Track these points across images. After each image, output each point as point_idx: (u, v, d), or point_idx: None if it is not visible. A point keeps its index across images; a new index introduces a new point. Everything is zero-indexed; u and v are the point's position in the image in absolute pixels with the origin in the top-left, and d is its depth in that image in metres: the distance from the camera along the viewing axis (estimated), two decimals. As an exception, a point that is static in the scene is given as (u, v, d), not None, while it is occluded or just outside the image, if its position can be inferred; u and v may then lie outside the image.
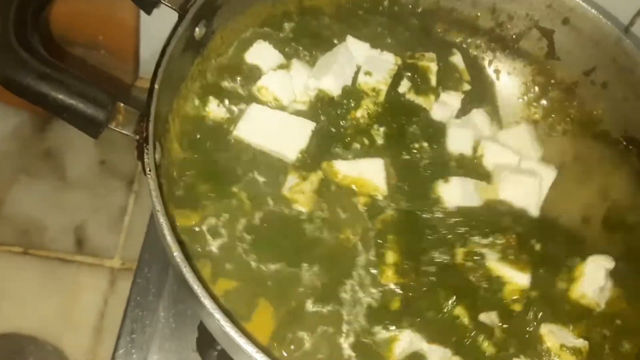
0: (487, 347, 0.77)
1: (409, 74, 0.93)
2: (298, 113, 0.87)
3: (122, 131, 0.69)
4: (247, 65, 0.90)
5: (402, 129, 0.89)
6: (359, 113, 0.89)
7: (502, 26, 1.04)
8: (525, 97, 1.05)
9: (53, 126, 1.31)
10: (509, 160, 0.92)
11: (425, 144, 0.89)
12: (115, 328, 1.02)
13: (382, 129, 0.89)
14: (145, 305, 0.93)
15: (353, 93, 0.89)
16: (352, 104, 0.88)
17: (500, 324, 0.78)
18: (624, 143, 0.96)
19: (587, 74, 0.99)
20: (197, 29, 0.83)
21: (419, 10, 1.04)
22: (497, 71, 1.07)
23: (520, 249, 0.81)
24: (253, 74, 0.89)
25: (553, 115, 1.03)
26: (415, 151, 0.89)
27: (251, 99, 0.88)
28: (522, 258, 0.81)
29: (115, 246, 1.25)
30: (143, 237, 1.10)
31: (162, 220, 0.64)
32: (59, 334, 1.16)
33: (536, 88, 1.05)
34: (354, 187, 0.84)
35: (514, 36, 1.04)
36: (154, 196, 0.66)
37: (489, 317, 0.77)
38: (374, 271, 0.79)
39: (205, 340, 0.91)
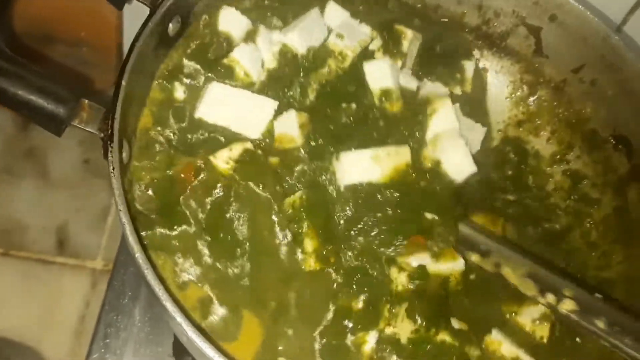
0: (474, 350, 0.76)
1: (383, 33, 0.91)
2: (265, 83, 0.85)
3: (86, 128, 0.67)
4: (220, 34, 0.87)
5: (337, 89, 0.86)
6: (320, 72, 0.86)
7: (489, 23, 1.01)
8: (513, 96, 1.03)
9: (36, 125, 1.30)
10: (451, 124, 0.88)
11: (353, 105, 0.85)
12: (96, 331, 1.00)
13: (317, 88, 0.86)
14: (120, 309, 0.90)
15: (319, 53, 0.86)
16: (316, 65, 0.86)
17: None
18: (613, 142, 0.94)
19: (576, 72, 0.96)
20: (170, 25, 0.81)
21: (405, 6, 1.02)
22: (484, 70, 1.04)
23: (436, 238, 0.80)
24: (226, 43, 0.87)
25: (541, 114, 1.01)
26: (340, 110, 0.85)
27: (224, 71, 0.85)
28: (446, 247, 0.79)
29: (97, 247, 1.23)
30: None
31: (125, 219, 0.62)
32: (38, 336, 1.14)
33: (524, 87, 1.03)
34: (278, 145, 0.82)
35: (500, 34, 1.01)
36: (116, 195, 0.64)
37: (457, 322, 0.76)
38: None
39: (182, 345, 0.89)
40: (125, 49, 1.23)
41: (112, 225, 1.25)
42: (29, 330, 1.15)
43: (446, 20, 1.01)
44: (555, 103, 1.00)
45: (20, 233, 1.22)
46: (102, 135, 0.67)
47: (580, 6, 0.92)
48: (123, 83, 0.69)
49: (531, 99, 1.02)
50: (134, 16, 0.87)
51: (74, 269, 1.21)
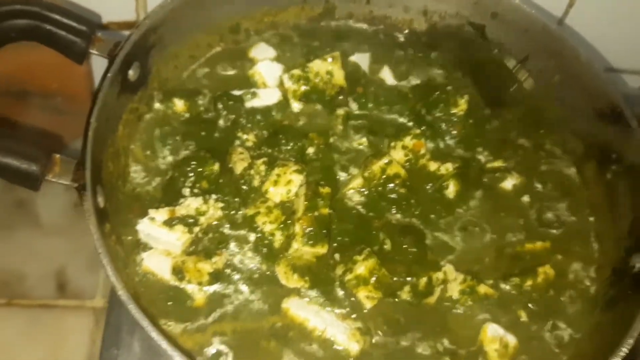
0: None
1: None
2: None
3: (60, 181, 0.72)
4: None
5: None
6: None
7: (436, 26, 1.06)
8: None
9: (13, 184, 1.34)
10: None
11: None
12: (105, 366, 1.04)
13: None
14: (119, 343, 0.94)
15: None
16: None
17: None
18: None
19: (522, 62, 1.01)
20: (130, 72, 0.86)
21: (355, 19, 1.08)
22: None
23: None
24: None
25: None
26: None
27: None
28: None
29: (96, 286, 1.27)
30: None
31: (105, 261, 0.67)
32: (49, 380, 1.18)
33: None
34: None
35: (448, 34, 1.06)
36: (95, 239, 0.68)
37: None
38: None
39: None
40: (97, 94, 1.28)
41: (107, 263, 1.29)
42: (39, 374, 1.18)
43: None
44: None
45: (20, 282, 1.25)
46: (75, 185, 0.72)
47: (517, 0, 0.97)
48: (90, 134, 0.74)
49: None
50: (102, 62, 0.92)
51: (76, 310, 1.25)
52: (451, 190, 0.91)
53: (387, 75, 1.02)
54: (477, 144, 0.98)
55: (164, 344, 0.63)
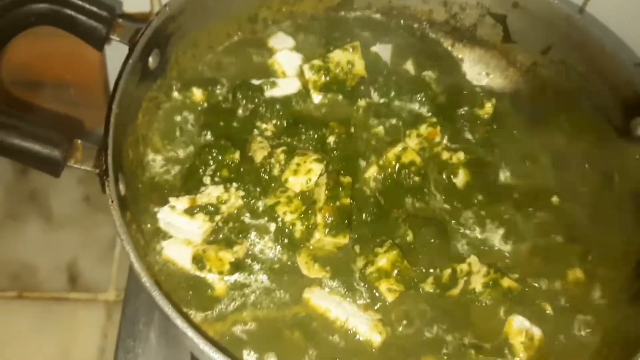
0: None
1: None
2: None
3: (82, 167, 0.71)
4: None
5: None
6: None
7: (456, 17, 1.05)
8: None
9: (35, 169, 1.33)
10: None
11: None
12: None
13: None
14: (136, 335, 0.94)
15: None
16: None
17: None
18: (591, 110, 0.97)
19: (545, 53, 1.00)
20: (150, 59, 0.85)
21: (374, 9, 1.07)
22: (460, 60, 1.08)
23: None
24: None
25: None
26: None
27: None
28: None
29: (108, 279, 1.26)
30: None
31: (128, 247, 0.66)
32: (61, 373, 1.17)
33: (498, 73, 1.06)
34: None
35: (469, 26, 1.05)
36: (118, 225, 0.67)
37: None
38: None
39: (198, 362, 0.92)
40: (111, 85, 1.27)
41: (119, 256, 1.28)
42: (51, 368, 1.17)
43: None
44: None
45: (31, 274, 1.25)
46: (97, 171, 0.70)
47: (538, -12, 0.95)
48: (111, 120, 0.73)
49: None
50: (116, 53, 0.91)
51: (88, 303, 1.24)
52: (460, 178, 0.90)
53: (410, 67, 1.01)
54: (496, 154, 0.96)
55: (190, 332, 0.62)
